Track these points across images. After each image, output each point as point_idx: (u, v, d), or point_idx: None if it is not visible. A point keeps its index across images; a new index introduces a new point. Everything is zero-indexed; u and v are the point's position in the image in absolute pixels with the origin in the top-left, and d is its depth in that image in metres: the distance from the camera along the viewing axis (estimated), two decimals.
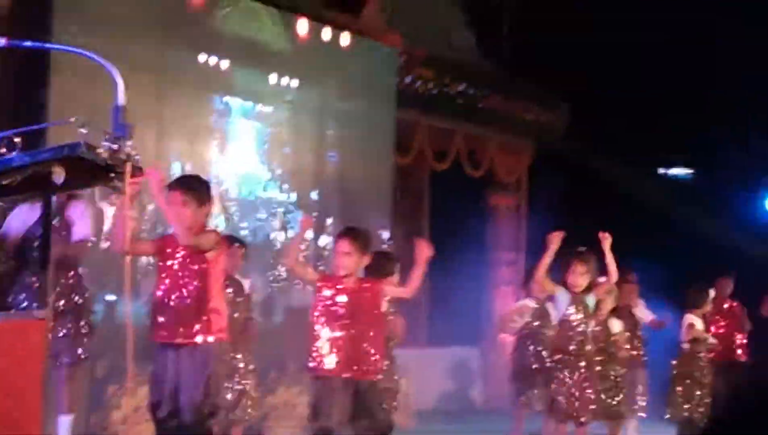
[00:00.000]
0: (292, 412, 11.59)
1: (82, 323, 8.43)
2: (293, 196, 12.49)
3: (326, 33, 12.75)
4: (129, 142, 4.74)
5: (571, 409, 9.62)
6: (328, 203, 12.81)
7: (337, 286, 8.15)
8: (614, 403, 10.68)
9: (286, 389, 11.55)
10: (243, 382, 9.34)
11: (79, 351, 8.36)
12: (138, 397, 9.93)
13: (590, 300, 9.86)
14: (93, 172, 4.81)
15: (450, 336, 15.55)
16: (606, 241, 9.83)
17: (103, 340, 9.35)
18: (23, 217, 7.81)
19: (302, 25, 12.42)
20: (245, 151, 11.94)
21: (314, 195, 12.75)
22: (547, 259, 9.69)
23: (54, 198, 5.41)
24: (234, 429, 9.37)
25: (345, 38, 13.01)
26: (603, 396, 10.34)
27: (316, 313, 8.17)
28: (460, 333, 15.62)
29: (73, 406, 8.43)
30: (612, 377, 10.76)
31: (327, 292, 8.16)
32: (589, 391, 9.75)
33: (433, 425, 12.72)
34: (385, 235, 13.28)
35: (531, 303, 11.58)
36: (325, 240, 12.56)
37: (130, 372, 5.99)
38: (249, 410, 9.43)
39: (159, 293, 7.36)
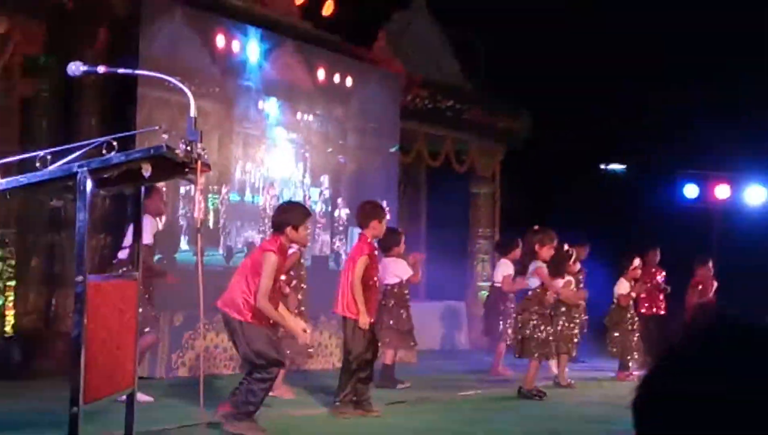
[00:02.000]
0: (323, 351, 11.63)
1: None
2: (320, 186, 12.56)
3: (348, 63, 12.76)
4: (200, 145, 4.75)
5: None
6: (348, 192, 12.81)
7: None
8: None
9: (319, 333, 11.59)
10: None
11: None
12: (207, 340, 9.97)
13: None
14: (172, 168, 4.83)
15: (443, 292, 15.57)
16: None
17: (180, 297, 9.39)
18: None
19: (329, 58, 12.51)
20: (285, 153, 11.97)
21: (337, 185, 12.80)
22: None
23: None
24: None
25: (361, 66, 13.03)
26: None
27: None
28: (450, 290, 15.64)
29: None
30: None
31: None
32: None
33: (431, 361, 12.69)
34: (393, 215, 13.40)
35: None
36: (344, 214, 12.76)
37: (202, 321, 5.98)
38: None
39: None
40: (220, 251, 11.01)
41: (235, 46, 11.05)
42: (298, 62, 11.96)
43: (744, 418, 1.05)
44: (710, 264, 13.42)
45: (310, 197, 12.27)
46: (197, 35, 10.61)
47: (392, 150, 13.52)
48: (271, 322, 7.17)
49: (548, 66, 16.87)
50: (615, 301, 12.01)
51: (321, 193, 12.53)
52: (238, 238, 11.20)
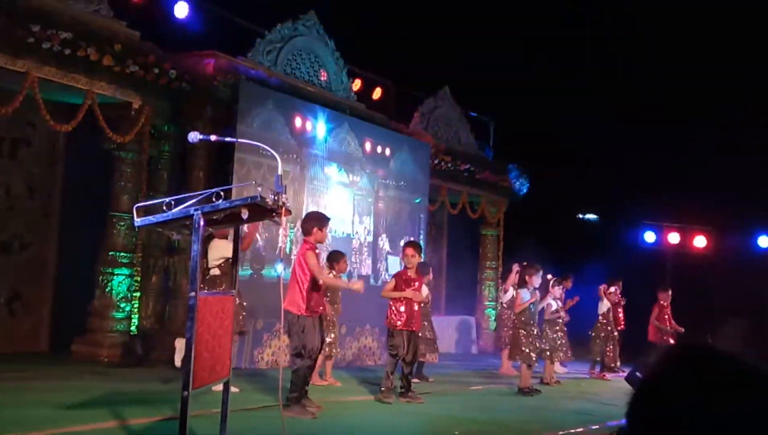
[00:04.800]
0: (368, 352, 11.56)
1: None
2: (369, 227, 12.50)
3: (388, 135, 12.79)
4: (284, 196, 4.77)
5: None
6: (390, 232, 12.77)
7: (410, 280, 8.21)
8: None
9: (365, 338, 11.53)
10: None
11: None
12: (281, 340, 9.92)
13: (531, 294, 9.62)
14: (263, 212, 4.85)
15: (459, 309, 15.46)
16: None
17: (261, 306, 9.39)
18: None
19: (374, 133, 12.51)
20: (340, 201, 11.90)
21: (378, 225, 12.67)
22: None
23: (243, 227, 5.38)
24: (328, 362, 9.13)
25: (401, 138, 13.04)
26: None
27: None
28: (464, 307, 15.52)
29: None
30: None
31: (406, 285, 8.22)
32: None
33: (448, 361, 12.55)
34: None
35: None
36: (385, 247, 12.68)
37: (281, 325, 5.96)
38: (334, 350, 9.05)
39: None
40: None
41: (309, 125, 11.13)
42: (351, 138, 12.04)
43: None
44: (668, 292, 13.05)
45: (357, 232, 12.25)
46: (282, 116, 10.71)
47: (416, 201, 13.42)
48: (322, 309, 7.06)
49: (541, 142, 16.84)
50: (600, 317, 11.92)
51: (365, 228, 12.51)
52: None
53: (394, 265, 12.46)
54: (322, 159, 11.58)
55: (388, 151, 12.81)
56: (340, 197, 11.97)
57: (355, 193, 12.34)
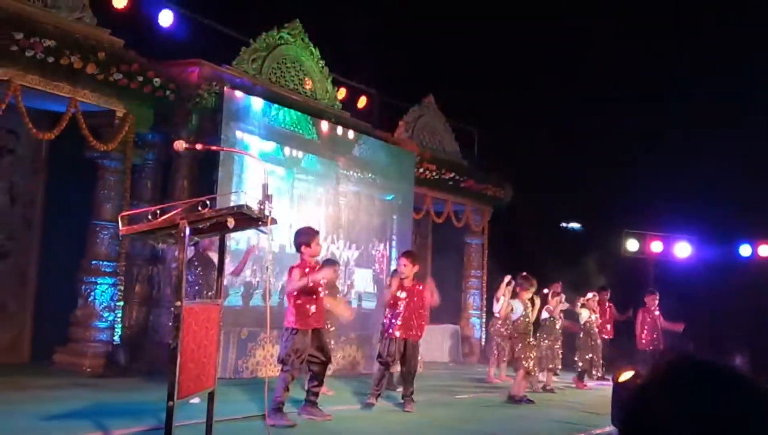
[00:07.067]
0: (352, 361, 11.52)
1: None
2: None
3: (379, 144, 12.72)
4: (270, 205, 4.76)
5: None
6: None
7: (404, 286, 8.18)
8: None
9: (350, 347, 11.49)
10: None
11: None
12: (265, 350, 9.88)
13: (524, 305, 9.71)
14: (249, 221, 4.83)
15: (443, 318, 15.45)
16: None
17: (246, 316, 9.33)
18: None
19: (366, 139, 12.37)
20: (325, 213, 11.78)
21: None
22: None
23: (225, 237, 5.36)
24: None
25: (387, 147, 13.00)
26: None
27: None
28: (448, 317, 15.51)
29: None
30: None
31: (400, 292, 8.18)
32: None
33: (434, 370, 12.57)
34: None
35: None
36: (345, 254, 12.23)
37: (268, 334, 5.94)
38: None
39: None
40: None
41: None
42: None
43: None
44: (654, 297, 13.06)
45: (345, 256, 11.62)
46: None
47: (389, 198, 13.02)
48: (316, 323, 7.05)
49: (525, 150, 16.91)
50: (581, 326, 11.90)
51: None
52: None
53: (364, 281, 12.04)
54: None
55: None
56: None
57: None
